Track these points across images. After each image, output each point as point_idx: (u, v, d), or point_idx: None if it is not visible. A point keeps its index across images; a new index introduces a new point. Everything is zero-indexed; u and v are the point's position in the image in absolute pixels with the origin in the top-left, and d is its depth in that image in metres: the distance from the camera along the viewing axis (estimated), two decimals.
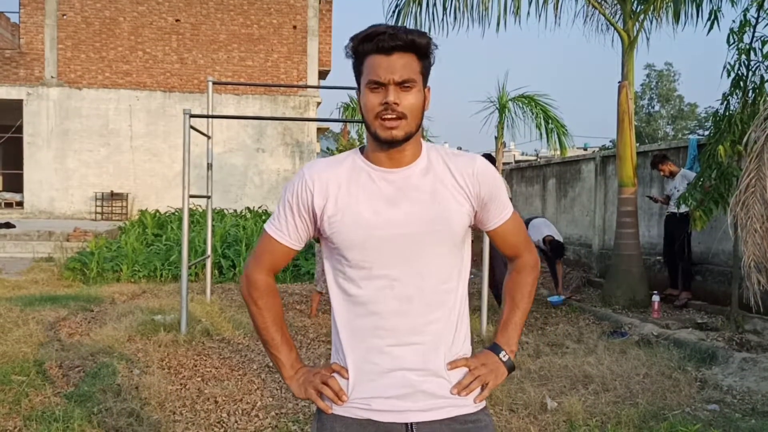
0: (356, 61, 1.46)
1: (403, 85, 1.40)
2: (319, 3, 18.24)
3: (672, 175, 7.64)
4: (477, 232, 1.66)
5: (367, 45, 1.42)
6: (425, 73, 1.45)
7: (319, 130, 21.37)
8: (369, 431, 1.47)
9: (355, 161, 1.52)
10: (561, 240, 7.99)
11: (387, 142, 1.43)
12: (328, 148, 28.76)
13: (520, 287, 1.64)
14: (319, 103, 18.17)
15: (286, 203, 1.52)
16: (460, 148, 1.63)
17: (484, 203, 1.52)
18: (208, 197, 7.04)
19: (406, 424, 1.45)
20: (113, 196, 16.88)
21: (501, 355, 1.57)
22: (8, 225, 12.95)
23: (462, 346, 1.53)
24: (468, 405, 1.50)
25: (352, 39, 1.44)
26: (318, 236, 1.54)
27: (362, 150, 1.54)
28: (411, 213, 1.44)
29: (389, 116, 1.40)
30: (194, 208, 12.85)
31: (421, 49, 1.42)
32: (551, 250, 7.81)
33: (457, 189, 1.48)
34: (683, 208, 7.02)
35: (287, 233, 1.53)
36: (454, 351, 1.50)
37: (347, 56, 1.48)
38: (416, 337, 1.45)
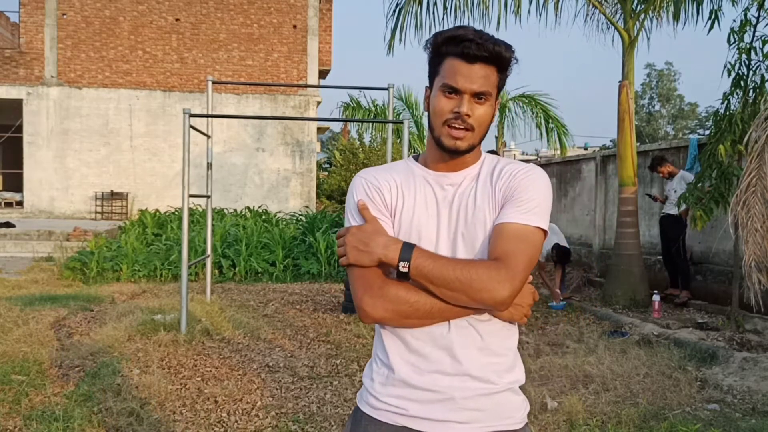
0: (434, 59, 1.42)
1: (479, 97, 1.38)
2: (320, 2, 18.23)
3: (671, 176, 7.65)
4: None
5: (452, 47, 1.38)
6: (500, 87, 1.43)
7: (318, 129, 21.36)
8: None
9: (408, 166, 1.52)
10: (567, 246, 7.98)
11: (450, 150, 1.41)
12: (328, 149, 28.75)
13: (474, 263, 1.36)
14: (319, 103, 18.16)
15: (357, 210, 1.45)
16: None
17: (505, 201, 1.41)
18: (208, 197, 7.03)
19: None
20: (113, 195, 16.87)
21: None
22: (8, 224, 12.94)
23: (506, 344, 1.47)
24: (512, 419, 1.44)
25: (437, 35, 1.41)
26: None
27: (416, 159, 1.53)
28: (455, 218, 1.43)
29: (458, 126, 1.38)
30: (194, 208, 12.85)
31: (504, 62, 1.39)
32: (556, 256, 7.81)
33: (494, 194, 1.43)
34: (683, 208, 7.03)
35: None
36: (496, 350, 1.44)
37: (425, 50, 1.44)
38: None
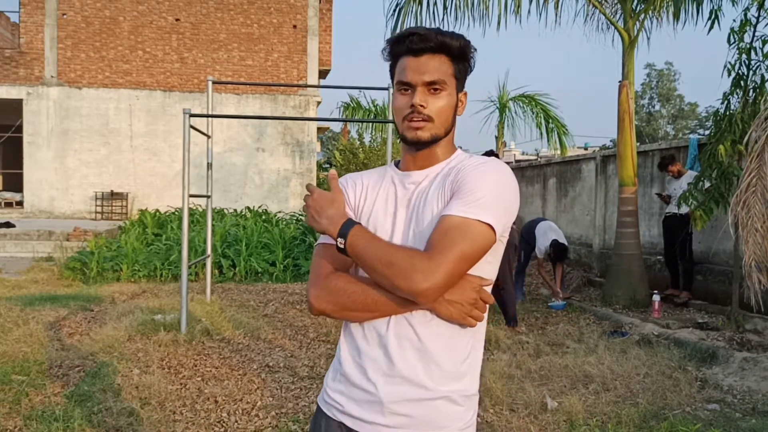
0: (391, 63, 1.46)
1: (432, 87, 1.38)
2: (320, 2, 18.23)
3: (679, 175, 7.59)
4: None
5: (399, 47, 1.41)
6: (460, 77, 1.42)
7: (318, 129, 21.36)
8: None
9: (386, 169, 1.54)
10: (565, 243, 7.98)
11: (413, 142, 1.42)
12: (328, 149, 28.75)
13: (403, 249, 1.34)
14: (319, 103, 18.16)
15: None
16: (460, 148, 1.57)
17: (452, 194, 1.37)
18: (208, 197, 7.03)
19: None
20: (113, 195, 16.87)
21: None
22: (8, 224, 12.94)
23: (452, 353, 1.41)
24: (446, 429, 1.38)
25: (388, 41, 1.44)
26: None
27: (396, 164, 1.56)
28: (410, 216, 1.41)
29: (415, 118, 1.38)
30: (194, 208, 12.85)
31: (453, 50, 1.39)
32: (554, 253, 7.82)
33: (443, 189, 1.40)
34: (684, 209, 7.02)
35: None
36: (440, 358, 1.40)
37: (384, 59, 1.47)
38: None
